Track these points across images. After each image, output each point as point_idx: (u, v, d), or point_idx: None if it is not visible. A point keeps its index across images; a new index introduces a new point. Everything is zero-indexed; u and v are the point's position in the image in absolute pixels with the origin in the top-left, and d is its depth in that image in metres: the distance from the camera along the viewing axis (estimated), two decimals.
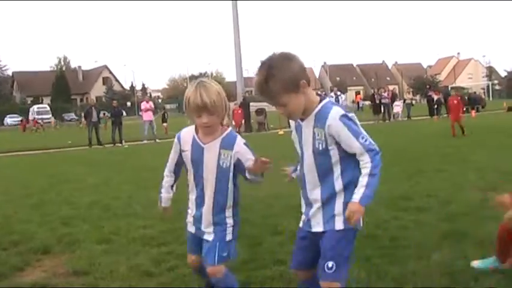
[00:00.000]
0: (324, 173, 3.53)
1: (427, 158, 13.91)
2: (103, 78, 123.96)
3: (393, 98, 40.91)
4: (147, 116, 30.12)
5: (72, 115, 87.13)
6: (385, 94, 39.59)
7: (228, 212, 4.07)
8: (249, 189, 9.10)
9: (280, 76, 3.31)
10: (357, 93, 76.50)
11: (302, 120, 3.52)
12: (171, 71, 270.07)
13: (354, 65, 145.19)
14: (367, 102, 60.39)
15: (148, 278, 5.25)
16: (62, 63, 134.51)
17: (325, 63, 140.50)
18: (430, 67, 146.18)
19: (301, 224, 3.85)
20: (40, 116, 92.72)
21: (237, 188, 4.08)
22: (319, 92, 25.26)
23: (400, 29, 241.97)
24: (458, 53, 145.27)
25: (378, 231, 6.51)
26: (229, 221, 4.08)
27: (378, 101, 39.15)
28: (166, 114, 40.83)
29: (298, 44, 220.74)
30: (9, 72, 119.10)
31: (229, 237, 4.06)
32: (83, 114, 35.38)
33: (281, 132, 27.87)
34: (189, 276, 5.17)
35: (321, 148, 3.47)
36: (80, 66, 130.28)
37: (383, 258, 5.41)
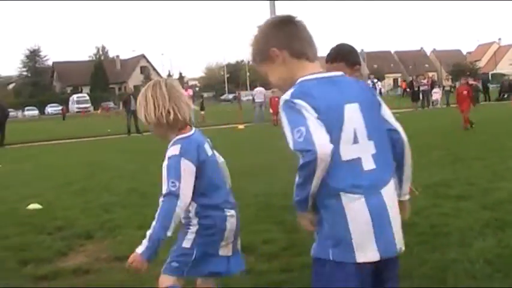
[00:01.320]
0: None
1: (465, 145, 13.74)
2: (141, 67, 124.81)
3: (432, 85, 40.43)
4: None
5: (111, 104, 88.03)
6: (424, 81, 39.13)
7: (192, 212, 3.48)
8: (285, 173, 9.18)
9: (253, 43, 2.92)
10: (403, 80, 76.43)
11: None
12: (208, 60, 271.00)
13: (392, 52, 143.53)
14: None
15: None
16: (100, 52, 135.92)
17: (362, 50, 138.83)
18: (469, 53, 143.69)
19: None
20: (79, 105, 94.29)
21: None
22: None
23: (439, 14, 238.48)
24: (500, 39, 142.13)
25: (417, 218, 6.45)
26: (193, 222, 3.48)
27: (416, 88, 38.70)
28: (203, 103, 40.97)
29: (336, 30, 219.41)
30: (50, 63, 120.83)
31: (186, 244, 3.48)
32: (121, 103, 35.67)
33: None
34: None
35: None
36: (117, 56, 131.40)
37: (423, 245, 5.38)
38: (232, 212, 3.59)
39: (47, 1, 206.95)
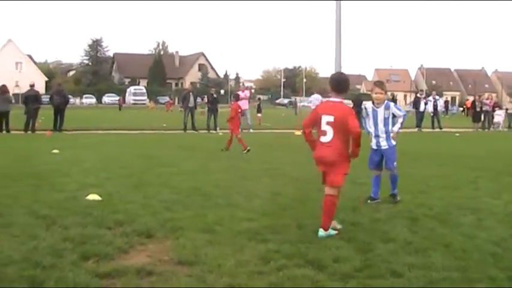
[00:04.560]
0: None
1: None
2: (199, 64, 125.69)
3: (495, 106, 39.25)
4: (242, 105, 30.02)
5: (167, 98, 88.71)
6: (487, 101, 38.00)
7: None
8: (353, 191, 8.83)
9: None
10: (466, 100, 75.60)
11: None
12: (266, 63, 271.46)
13: (452, 70, 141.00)
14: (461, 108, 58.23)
15: (258, 277, 4.99)
16: (160, 47, 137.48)
17: (422, 65, 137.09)
18: None
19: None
20: (136, 97, 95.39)
21: None
22: (418, 95, 24.47)
23: (503, 34, 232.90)
24: None
25: (498, 249, 6.04)
26: None
27: (478, 108, 37.63)
28: (260, 105, 40.77)
29: (395, 44, 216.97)
30: (111, 54, 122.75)
31: None
32: (177, 98, 35.69)
33: None
34: (301, 278, 4.92)
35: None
36: (177, 52, 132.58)
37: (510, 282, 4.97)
38: None
39: None
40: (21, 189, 9.33)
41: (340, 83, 6.80)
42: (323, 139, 6.59)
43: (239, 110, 17.74)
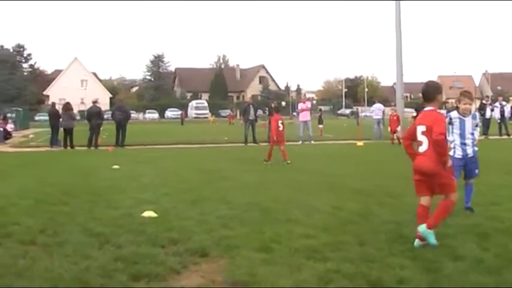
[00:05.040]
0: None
1: None
2: (260, 77, 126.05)
3: None
4: (303, 116, 29.74)
5: (228, 111, 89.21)
6: None
7: None
8: (413, 199, 8.37)
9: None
10: None
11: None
12: (327, 73, 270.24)
13: None
14: None
15: None
16: (221, 61, 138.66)
17: (486, 71, 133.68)
18: None
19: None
20: (198, 111, 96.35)
21: None
22: (483, 101, 23.54)
23: None
24: None
25: None
26: None
27: None
28: (322, 116, 40.32)
29: (458, 50, 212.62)
30: (172, 68, 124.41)
31: None
32: (238, 111, 35.72)
33: None
34: None
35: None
36: (238, 65, 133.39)
37: None
38: None
39: (173, 10, 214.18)
40: (78, 206, 9.29)
41: (426, 92, 6.86)
42: (420, 149, 6.68)
43: (280, 122, 17.50)
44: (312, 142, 28.39)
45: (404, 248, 6.25)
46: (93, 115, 26.87)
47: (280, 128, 17.30)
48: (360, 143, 26.33)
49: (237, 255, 6.06)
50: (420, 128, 6.63)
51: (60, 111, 28.38)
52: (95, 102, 28.13)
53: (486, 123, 32.23)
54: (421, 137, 6.63)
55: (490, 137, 30.27)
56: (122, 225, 7.57)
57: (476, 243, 6.53)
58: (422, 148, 6.60)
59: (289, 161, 16.56)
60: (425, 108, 6.79)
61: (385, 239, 6.69)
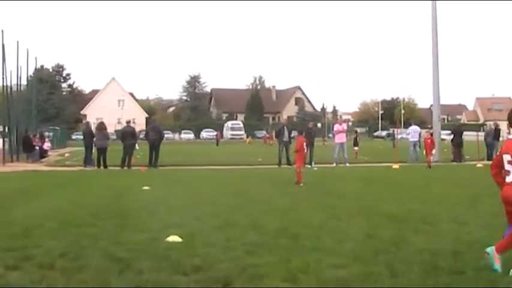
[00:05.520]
0: None
1: None
2: (295, 98, 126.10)
3: None
4: (339, 138, 29.37)
5: (264, 132, 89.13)
6: None
7: None
8: (451, 225, 7.98)
9: None
10: None
11: None
12: (363, 95, 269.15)
13: None
14: None
15: None
16: (257, 82, 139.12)
17: None
18: None
19: None
20: (233, 132, 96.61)
21: None
22: None
23: None
24: None
25: None
26: None
27: None
28: (358, 138, 39.85)
29: (496, 71, 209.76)
30: (208, 89, 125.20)
31: None
32: (274, 133, 35.58)
33: (480, 165, 25.60)
34: None
35: None
36: (274, 86, 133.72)
37: None
38: None
39: (210, 31, 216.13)
40: (104, 228, 9.10)
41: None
42: (508, 179, 6.31)
43: (305, 144, 17.54)
44: (347, 165, 27.97)
45: (438, 281, 5.86)
46: (127, 135, 26.96)
47: (304, 150, 17.46)
48: (395, 166, 25.84)
49: (262, 285, 5.76)
50: (506, 157, 6.31)
51: (94, 130, 28.58)
52: (128, 122, 28.28)
53: None
54: (507, 166, 6.31)
55: None
56: (145, 250, 7.33)
57: None
58: (510, 178, 6.28)
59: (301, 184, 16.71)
60: (510, 136, 6.49)
61: (418, 270, 6.31)
